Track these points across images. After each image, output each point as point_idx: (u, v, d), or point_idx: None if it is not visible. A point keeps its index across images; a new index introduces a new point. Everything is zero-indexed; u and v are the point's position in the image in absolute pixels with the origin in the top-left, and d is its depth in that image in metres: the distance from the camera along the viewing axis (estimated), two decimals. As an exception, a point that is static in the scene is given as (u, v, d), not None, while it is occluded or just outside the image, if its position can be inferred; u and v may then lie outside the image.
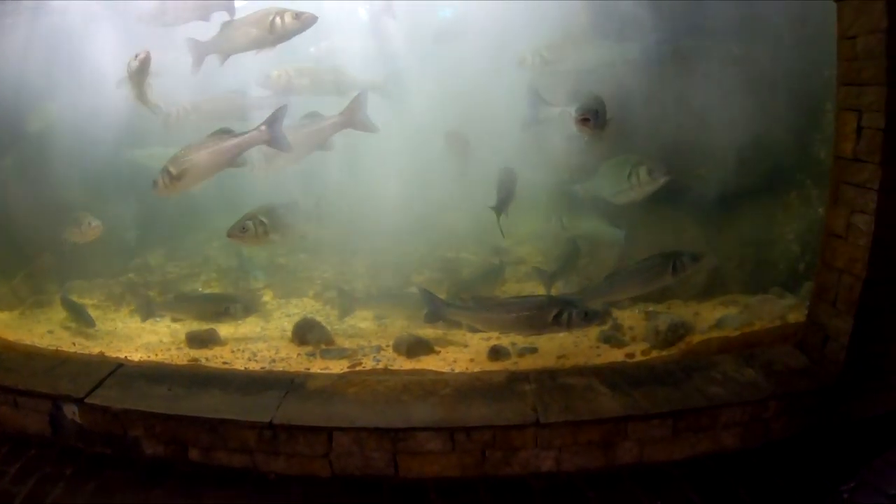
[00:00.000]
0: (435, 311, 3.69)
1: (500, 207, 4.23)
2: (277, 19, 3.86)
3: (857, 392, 3.43)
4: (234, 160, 4.09)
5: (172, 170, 4.03)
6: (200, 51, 4.22)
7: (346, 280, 5.05)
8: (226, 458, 3.42)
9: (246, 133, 4.03)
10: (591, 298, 3.63)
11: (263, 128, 4.00)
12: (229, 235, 4.16)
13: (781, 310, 4.16)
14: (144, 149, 5.09)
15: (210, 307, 4.81)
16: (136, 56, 4.18)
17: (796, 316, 4.05)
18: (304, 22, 3.91)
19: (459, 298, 4.26)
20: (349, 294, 4.76)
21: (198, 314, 4.88)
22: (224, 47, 4.16)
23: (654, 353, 3.77)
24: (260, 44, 4.01)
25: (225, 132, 4.08)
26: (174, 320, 5.02)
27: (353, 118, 4.27)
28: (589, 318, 3.47)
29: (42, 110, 5.16)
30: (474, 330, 3.71)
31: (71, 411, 3.76)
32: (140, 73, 4.23)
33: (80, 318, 4.97)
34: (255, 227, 4.09)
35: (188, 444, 3.47)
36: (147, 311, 4.90)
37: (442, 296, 4.38)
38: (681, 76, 4.22)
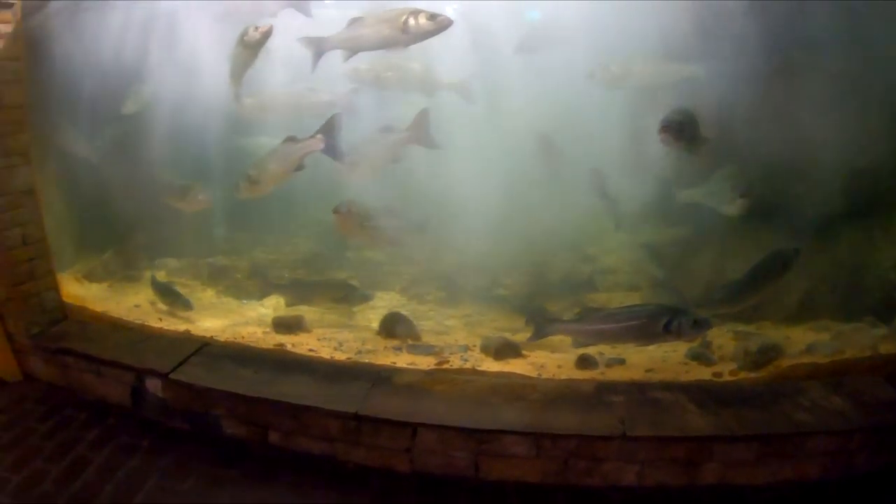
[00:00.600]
0: (541, 328, 3.63)
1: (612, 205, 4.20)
2: (412, 20, 3.67)
3: (946, 430, 3.28)
4: (297, 165, 4.31)
5: (253, 174, 4.34)
6: (319, 47, 4.07)
7: (455, 274, 5.04)
8: (305, 444, 3.46)
9: (305, 140, 4.22)
10: (713, 308, 3.56)
11: (319, 136, 4.18)
12: (335, 211, 4.18)
13: (873, 340, 3.98)
14: (253, 137, 5.17)
15: (329, 292, 4.84)
16: (257, 28, 4.06)
17: (888, 347, 3.87)
18: (439, 24, 3.70)
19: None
20: (459, 286, 4.73)
21: (315, 299, 4.90)
22: (350, 45, 3.97)
23: (742, 375, 3.65)
24: (391, 44, 3.81)
25: (291, 139, 4.29)
26: (288, 305, 5.02)
27: (417, 134, 4.37)
28: (698, 325, 3.39)
29: (137, 93, 5.20)
30: (581, 344, 3.64)
31: (154, 385, 3.86)
32: (255, 46, 4.12)
33: (175, 301, 4.98)
34: (359, 212, 4.12)
35: (269, 427, 3.52)
36: (265, 291, 4.92)
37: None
38: (781, 91, 4.08)
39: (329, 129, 4.18)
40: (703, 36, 4.12)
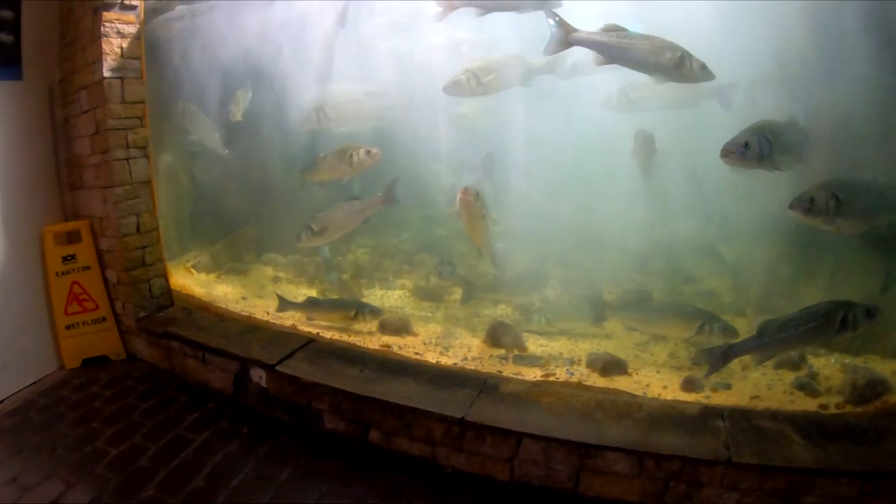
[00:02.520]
0: (717, 360, 3.54)
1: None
2: (688, 61, 3.53)
3: None
4: (360, 221, 4.84)
5: (315, 227, 4.78)
6: (567, 37, 3.78)
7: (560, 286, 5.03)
8: (406, 445, 3.55)
9: (368, 199, 4.81)
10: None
11: (380, 195, 4.76)
12: (463, 191, 4.22)
13: (985, 379, 3.83)
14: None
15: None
16: None
17: None
18: (707, 76, 3.59)
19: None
20: (600, 300, 4.64)
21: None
22: (609, 53, 3.68)
23: (849, 408, 3.54)
24: (654, 72, 3.63)
25: (355, 198, 4.87)
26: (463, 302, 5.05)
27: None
28: (871, 315, 3.34)
29: (237, 100, 5.32)
30: (761, 360, 3.63)
31: (258, 375, 4.04)
32: None
33: (361, 311, 4.69)
34: (482, 201, 4.19)
35: (372, 425, 3.63)
36: (469, 295, 4.94)
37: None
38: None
39: (390, 188, 4.73)
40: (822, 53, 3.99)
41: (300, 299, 4.98)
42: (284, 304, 4.89)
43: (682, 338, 4.16)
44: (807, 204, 3.44)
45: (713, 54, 3.73)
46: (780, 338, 3.44)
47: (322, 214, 4.76)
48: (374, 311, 4.68)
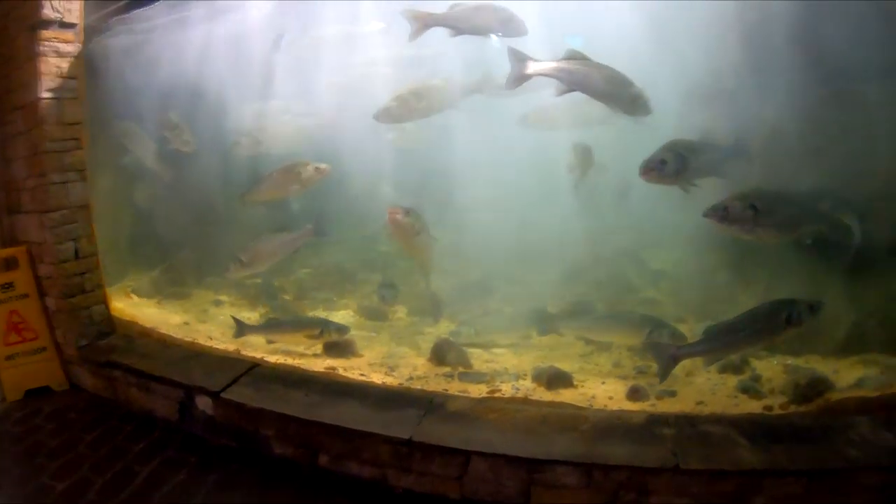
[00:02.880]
0: (667, 363, 3.58)
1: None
2: (643, 98, 3.67)
3: None
4: (289, 251, 5.00)
5: (244, 259, 4.83)
6: (521, 70, 3.78)
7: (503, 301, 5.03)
8: (355, 468, 3.48)
9: (298, 231, 4.95)
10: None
11: (309, 227, 4.93)
12: (390, 212, 4.21)
13: (923, 374, 3.94)
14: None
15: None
16: None
17: (938, 382, 3.82)
18: (644, 110, 3.73)
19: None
20: (551, 315, 4.63)
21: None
22: (569, 80, 3.68)
23: (793, 408, 3.60)
24: (615, 107, 3.72)
25: (284, 229, 4.94)
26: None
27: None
28: (815, 310, 3.44)
29: (173, 124, 5.21)
30: (711, 362, 3.70)
31: (203, 402, 3.93)
32: None
33: (326, 329, 4.55)
34: (415, 219, 4.13)
35: (320, 449, 3.55)
36: (438, 312, 4.87)
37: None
38: (831, 121, 4.05)
39: (319, 218, 4.92)
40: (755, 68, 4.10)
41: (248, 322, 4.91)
42: (242, 328, 4.76)
43: (631, 345, 4.20)
44: (721, 212, 3.55)
45: (646, 68, 3.83)
46: (729, 340, 3.53)
47: (251, 245, 4.78)
48: (340, 329, 4.59)
